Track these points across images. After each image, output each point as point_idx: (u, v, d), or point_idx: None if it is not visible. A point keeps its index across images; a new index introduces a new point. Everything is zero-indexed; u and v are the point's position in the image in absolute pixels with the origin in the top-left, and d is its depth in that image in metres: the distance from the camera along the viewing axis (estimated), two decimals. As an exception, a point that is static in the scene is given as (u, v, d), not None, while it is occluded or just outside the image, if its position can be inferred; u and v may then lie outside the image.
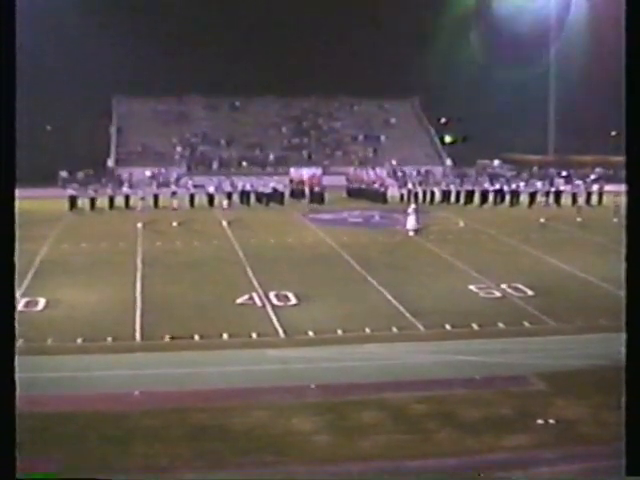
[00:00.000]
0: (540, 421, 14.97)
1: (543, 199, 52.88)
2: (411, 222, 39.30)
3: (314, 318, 22.95)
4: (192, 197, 52.05)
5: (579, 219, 43.23)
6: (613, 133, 64.71)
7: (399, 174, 64.69)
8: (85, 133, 69.21)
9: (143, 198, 50.06)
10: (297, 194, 55.01)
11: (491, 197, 53.82)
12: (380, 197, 53.69)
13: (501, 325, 22.24)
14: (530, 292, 26.18)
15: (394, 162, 68.95)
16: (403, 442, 14.24)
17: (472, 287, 27.12)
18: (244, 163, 69.03)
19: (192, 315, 23.43)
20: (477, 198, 53.83)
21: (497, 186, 54.96)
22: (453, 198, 54.46)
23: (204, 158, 70.24)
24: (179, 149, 71.26)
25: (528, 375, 17.74)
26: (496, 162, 72.23)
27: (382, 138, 75.83)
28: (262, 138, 74.24)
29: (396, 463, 13.35)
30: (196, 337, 20.98)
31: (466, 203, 53.51)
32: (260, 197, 53.24)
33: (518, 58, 70.78)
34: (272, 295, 25.62)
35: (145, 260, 32.35)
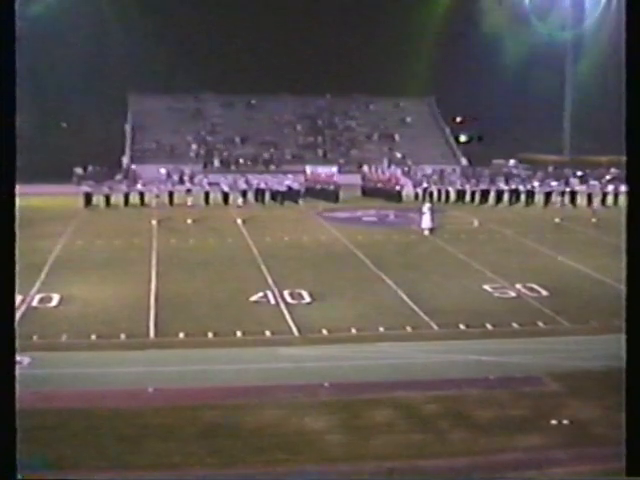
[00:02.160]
0: (554, 422, 14.95)
1: (558, 199, 52.71)
2: (426, 221, 39.23)
3: (328, 316, 22.97)
4: (207, 195, 52.05)
5: (594, 219, 43.03)
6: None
7: (406, 170, 64.75)
8: (100, 130, 69.40)
9: (158, 195, 50.19)
10: (312, 192, 54.89)
11: (506, 197, 53.65)
12: (395, 196, 53.59)
13: (515, 325, 22.21)
14: (544, 292, 26.12)
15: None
16: (416, 441, 14.24)
17: (486, 287, 27.08)
18: (259, 161, 69.06)
19: (206, 312, 23.48)
20: (492, 198, 53.71)
21: (512, 186, 54.83)
22: (468, 197, 54.31)
23: (219, 156, 70.31)
24: (194, 147, 71.37)
25: (542, 376, 17.72)
26: (511, 162, 71.99)
27: (397, 137, 75.74)
28: (277, 136, 74.27)
29: (409, 462, 13.35)
30: (210, 334, 21.02)
31: (481, 203, 53.38)
32: (275, 195, 53.25)
33: (534, 57, 70.62)
34: (286, 293, 25.65)
35: (159, 257, 32.42)
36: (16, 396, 5.86)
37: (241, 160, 69.10)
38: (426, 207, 40.21)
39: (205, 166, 66.82)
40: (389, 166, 61.47)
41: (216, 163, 68.40)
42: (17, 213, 5.91)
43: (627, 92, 6.90)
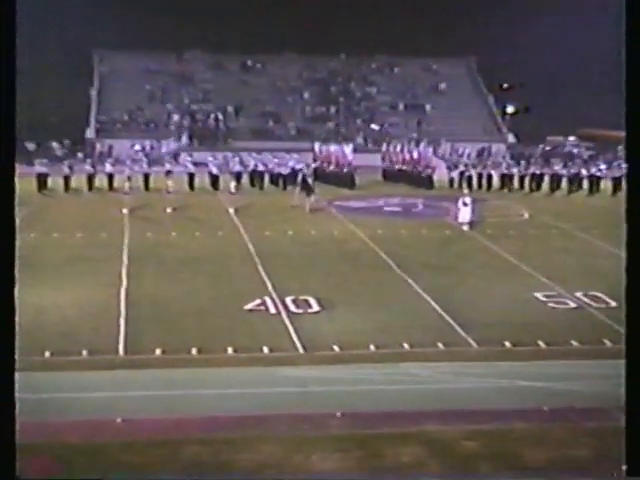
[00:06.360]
0: (624, 467, 14.82)
1: (630, 186, 52.63)
2: (464, 213, 39.18)
3: (340, 329, 22.95)
4: (191, 177, 52.18)
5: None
6: None
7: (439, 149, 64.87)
8: (58, 96, 69.44)
9: (130, 178, 50.17)
10: (322, 176, 54.85)
11: (564, 183, 53.70)
12: (424, 181, 53.67)
13: (575, 343, 22.12)
14: (612, 303, 25.94)
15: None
16: (450, 487, 14.19)
17: (539, 295, 27.03)
18: (257, 136, 69.17)
19: (189, 324, 23.46)
20: (546, 184, 53.70)
21: (572, 169, 54.87)
22: (516, 183, 54.36)
23: (207, 130, 70.46)
24: (176, 118, 71.58)
25: (609, 408, 17.58)
26: (571, 139, 71.95)
27: (428, 108, 75.79)
28: (279, 106, 74.54)
29: (442, 514, 13.29)
30: (194, 351, 20.99)
31: (532, 190, 53.44)
32: (276, 179, 53.27)
33: (594, 9, 70.33)
34: (289, 300, 25.65)
35: (132, 255, 32.47)
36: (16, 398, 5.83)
37: (234, 135, 69.23)
38: (466, 197, 40.08)
39: (189, 142, 66.94)
40: (417, 144, 61.49)
41: (203, 139, 68.47)
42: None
43: (627, 86, 7.18)
